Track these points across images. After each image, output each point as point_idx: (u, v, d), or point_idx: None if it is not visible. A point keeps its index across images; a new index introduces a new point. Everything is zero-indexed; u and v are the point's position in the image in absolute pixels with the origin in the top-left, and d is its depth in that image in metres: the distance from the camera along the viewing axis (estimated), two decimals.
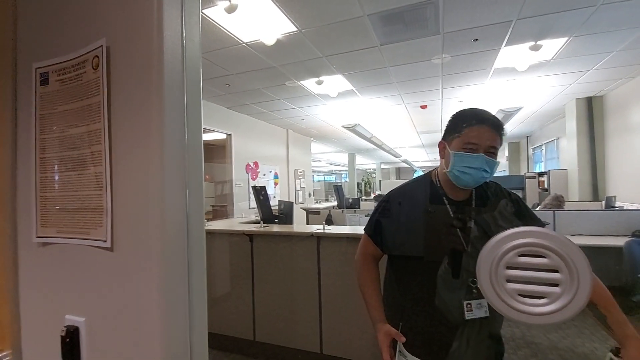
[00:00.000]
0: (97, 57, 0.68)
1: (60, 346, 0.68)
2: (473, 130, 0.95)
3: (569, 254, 0.59)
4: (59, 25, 0.75)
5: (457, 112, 1.04)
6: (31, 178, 0.75)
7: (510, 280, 0.62)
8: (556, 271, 0.60)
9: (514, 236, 0.63)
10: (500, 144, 0.97)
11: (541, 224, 1.03)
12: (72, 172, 0.70)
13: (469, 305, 0.96)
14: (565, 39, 3.44)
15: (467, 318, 0.95)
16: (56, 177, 0.72)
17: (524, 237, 0.62)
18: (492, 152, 0.95)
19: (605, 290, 0.89)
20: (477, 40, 3.43)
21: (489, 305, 0.96)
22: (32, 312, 0.78)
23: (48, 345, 0.73)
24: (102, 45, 0.67)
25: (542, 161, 9.06)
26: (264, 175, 7.20)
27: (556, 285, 0.60)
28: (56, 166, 0.72)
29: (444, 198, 1.04)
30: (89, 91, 0.69)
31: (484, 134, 0.94)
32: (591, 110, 5.83)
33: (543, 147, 8.90)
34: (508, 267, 0.62)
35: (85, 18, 0.72)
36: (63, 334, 0.68)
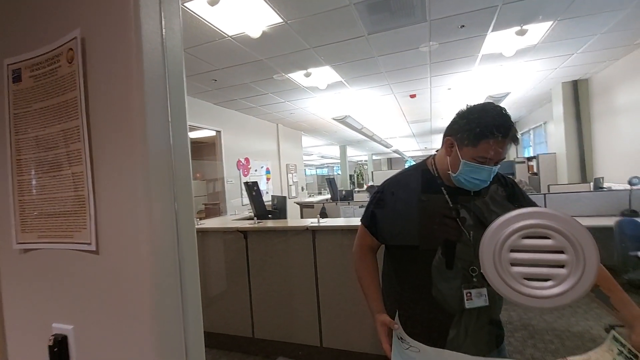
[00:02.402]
0: (72, 49, 0.64)
1: (48, 356, 0.65)
2: (489, 144, 0.90)
3: (573, 233, 0.57)
4: (29, 17, 0.71)
5: (470, 112, 0.95)
6: (8, 181, 0.71)
7: (514, 263, 0.61)
8: (562, 252, 0.59)
9: (516, 218, 0.61)
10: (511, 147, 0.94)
11: (536, 206, 1.03)
12: (51, 173, 0.66)
13: (468, 294, 0.95)
14: (550, 22, 3.44)
15: (467, 307, 0.95)
16: (34, 180, 0.68)
17: (527, 218, 0.60)
18: (501, 160, 0.94)
19: (605, 271, 0.89)
20: (463, 26, 3.41)
21: (488, 293, 0.96)
22: (17, 322, 0.74)
23: (36, 355, 0.69)
24: (76, 37, 0.63)
25: (531, 146, 9.17)
26: (256, 171, 7.14)
27: (562, 266, 0.59)
28: (34, 168, 0.68)
29: (443, 188, 1.03)
30: (65, 86, 0.65)
31: (500, 147, 0.90)
32: (577, 94, 5.90)
33: (531, 132, 9.01)
34: (512, 250, 0.61)
35: (57, 8, 0.67)
36: (51, 343, 0.64)
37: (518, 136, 0.93)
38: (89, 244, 0.62)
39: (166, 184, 0.63)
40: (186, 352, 0.64)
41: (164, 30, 0.65)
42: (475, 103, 0.98)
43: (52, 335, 0.65)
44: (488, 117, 0.90)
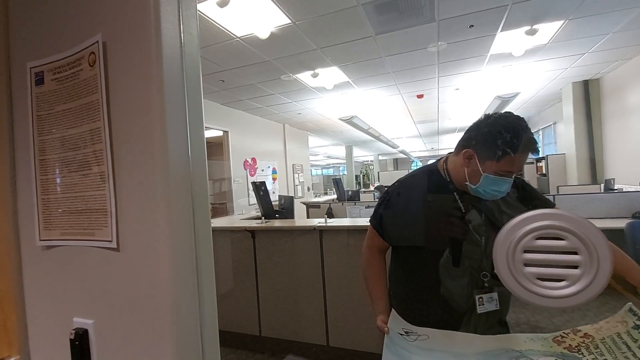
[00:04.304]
0: (93, 53, 0.66)
1: (70, 349, 0.67)
2: (513, 159, 0.89)
3: (587, 234, 0.58)
4: (52, 22, 0.73)
5: (492, 125, 0.92)
6: (31, 181, 0.73)
7: (528, 264, 0.62)
8: (575, 253, 0.60)
9: (530, 219, 0.62)
10: None
11: (551, 204, 1.02)
12: (74, 172, 0.68)
13: (480, 299, 0.96)
14: (561, 22, 3.41)
15: (479, 312, 0.96)
16: (58, 179, 0.70)
17: (540, 220, 0.61)
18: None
19: (630, 261, 0.87)
20: (472, 26, 3.40)
21: (498, 296, 0.97)
22: (39, 316, 0.77)
23: (57, 349, 0.72)
24: (98, 41, 0.65)
25: (540, 146, 9.07)
26: (262, 171, 7.18)
27: (575, 267, 0.60)
28: (57, 167, 0.70)
29: (455, 193, 1.03)
30: (87, 89, 0.67)
31: (523, 160, 0.91)
32: (588, 94, 5.82)
33: (540, 132, 8.91)
34: (525, 251, 0.62)
35: (79, 14, 0.70)
36: (72, 336, 0.67)
37: (538, 148, 0.93)
38: (110, 241, 0.64)
39: (184, 184, 0.64)
40: (202, 347, 0.66)
41: (182, 34, 0.67)
42: (493, 113, 0.96)
43: (73, 329, 0.67)
44: (512, 132, 0.88)
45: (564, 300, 0.59)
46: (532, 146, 0.90)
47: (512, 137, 0.88)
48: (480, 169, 0.93)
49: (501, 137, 0.89)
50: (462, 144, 1.00)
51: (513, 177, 0.94)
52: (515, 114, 0.94)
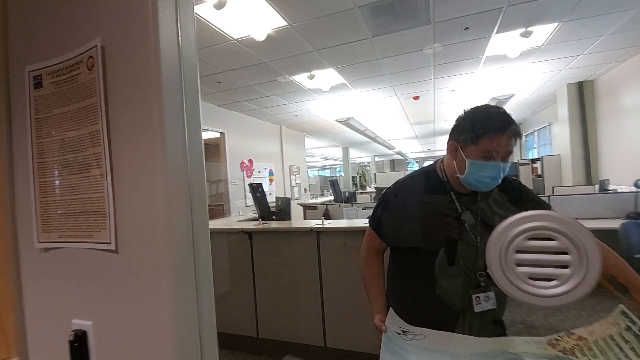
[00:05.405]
0: (92, 57, 0.67)
1: (69, 351, 0.67)
2: (491, 139, 0.91)
3: (577, 235, 0.60)
4: (51, 26, 0.73)
5: (469, 113, 0.98)
6: (30, 183, 0.74)
7: (520, 264, 0.63)
8: (565, 253, 0.61)
9: (522, 220, 0.64)
10: (516, 144, 0.95)
11: (547, 206, 1.04)
12: (72, 175, 0.69)
13: (477, 299, 0.97)
14: (556, 24, 3.45)
15: (476, 311, 0.97)
16: (56, 181, 0.71)
17: (532, 220, 0.63)
18: (508, 156, 0.95)
19: (622, 261, 0.88)
20: (468, 28, 3.42)
21: (494, 295, 0.99)
22: (37, 318, 0.77)
23: (55, 351, 0.72)
24: (96, 45, 0.66)
25: (535, 147, 9.14)
26: (259, 172, 7.17)
27: (566, 267, 0.61)
28: (55, 170, 0.71)
29: (452, 193, 1.04)
30: (85, 93, 0.67)
31: (502, 141, 0.91)
32: (582, 95, 5.88)
33: (535, 133, 8.98)
34: (517, 251, 0.63)
35: (78, 18, 0.70)
36: (71, 338, 0.67)
37: (519, 129, 0.95)
38: (109, 243, 0.64)
39: (182, 186, 0.65)
40: (201, 348, 0.66)
41: (180, 38, 0.67)
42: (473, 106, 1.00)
43: (73, 331, 0.68)
44: (486, 114, 0.94)
45: (555, 299, 0.61)
46: (509, 125, 0.91)
47: (486, 117, 0.93)
48: (464, 156, 0.96)
49: (477, 121, 0.93)
50: (448, 140, 1.04)
51: (500, 160, 0.93)
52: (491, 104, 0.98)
